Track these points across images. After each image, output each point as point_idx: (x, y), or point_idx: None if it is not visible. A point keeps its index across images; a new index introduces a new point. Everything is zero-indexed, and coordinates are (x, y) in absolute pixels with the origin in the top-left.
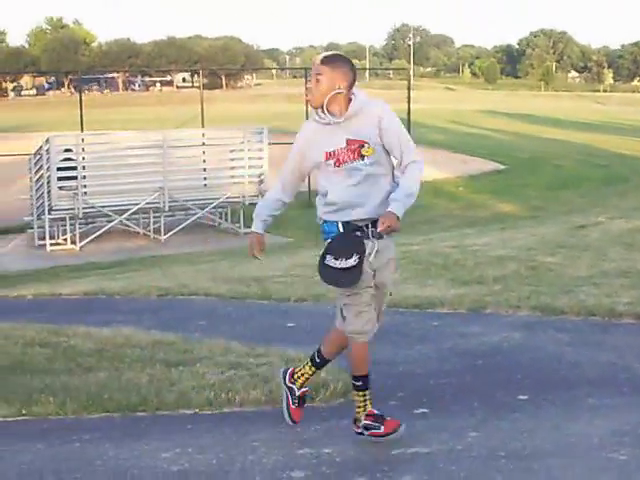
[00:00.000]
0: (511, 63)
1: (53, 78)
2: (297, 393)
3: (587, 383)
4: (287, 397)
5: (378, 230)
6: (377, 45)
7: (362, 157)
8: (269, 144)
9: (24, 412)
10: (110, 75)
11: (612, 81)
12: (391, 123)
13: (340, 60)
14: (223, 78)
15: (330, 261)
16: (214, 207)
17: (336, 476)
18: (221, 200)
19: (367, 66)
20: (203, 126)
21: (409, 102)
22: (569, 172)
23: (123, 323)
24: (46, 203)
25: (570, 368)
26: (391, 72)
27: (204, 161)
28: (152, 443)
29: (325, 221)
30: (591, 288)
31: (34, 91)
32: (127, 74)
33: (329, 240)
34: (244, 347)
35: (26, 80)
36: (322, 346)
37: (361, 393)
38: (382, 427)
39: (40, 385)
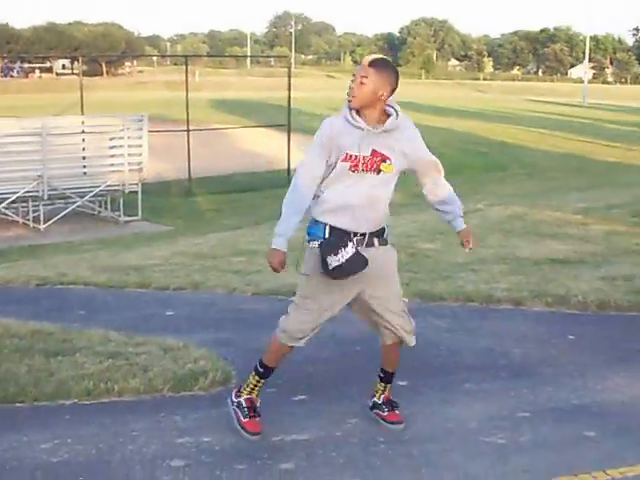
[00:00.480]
0: (392, 51)
1: None
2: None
3: (465, 368)
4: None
5: (468, 248)
6: (258, 32)
7: (379, 172)
8: (149, 132)
9: None
10: None
11: (492, 69)
12: (421, 142)
13: (387, 67)
14: (103, 65)
15: (333, 261)
16: (94, 195)
17: (216, 465)
18: (101, 188)
19: (248, 53)
20: (83, 114)
21: (289, 90)
22: (450, 159)
23: (1, 313)
24: None
25: (448, 354)
26: (272, 60)
27: (84, 149)
28: (31, 434)
29: (315, 221)
30: (470, 274)
31: None
32: (5, 60)
33: (314, 244)
34: (123, 336)
35: None
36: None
37: (257, 377)
38: (244, 419)
39: None
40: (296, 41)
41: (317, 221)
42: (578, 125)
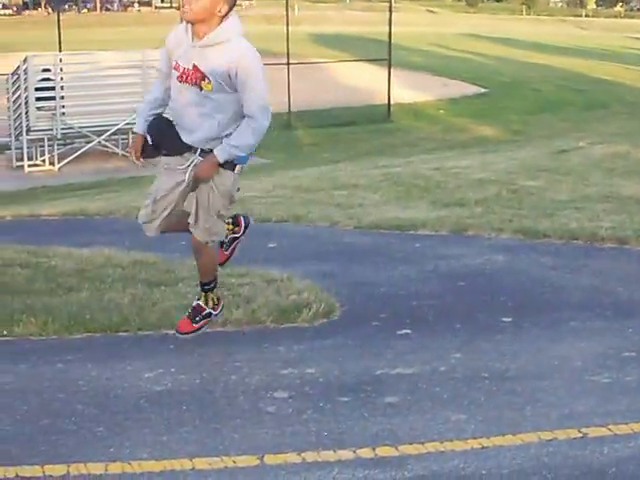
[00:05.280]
0: None
1: None
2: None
3: (570, 307)
4: None
5: (194, 175)
6: None
7: (200, 88)
8: None
9: (5, 333)
10: None
11: (595, 6)
12: (250, 67)
13: None
14: None
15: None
16: None
17: (319, 396)
18: None
19: None
20: None
21: (390, 24)
22: (550, 96)
23: (103, 244)
24: (24, 124)
25: (553, 291)
26: None
27: None
28: (135, 363)
29: None
30: (573, 212)
31: (10, 10)
32: None
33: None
34: (225, 267)
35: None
36: None
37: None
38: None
39: (21, 306)
40: None
41: None
42: None
